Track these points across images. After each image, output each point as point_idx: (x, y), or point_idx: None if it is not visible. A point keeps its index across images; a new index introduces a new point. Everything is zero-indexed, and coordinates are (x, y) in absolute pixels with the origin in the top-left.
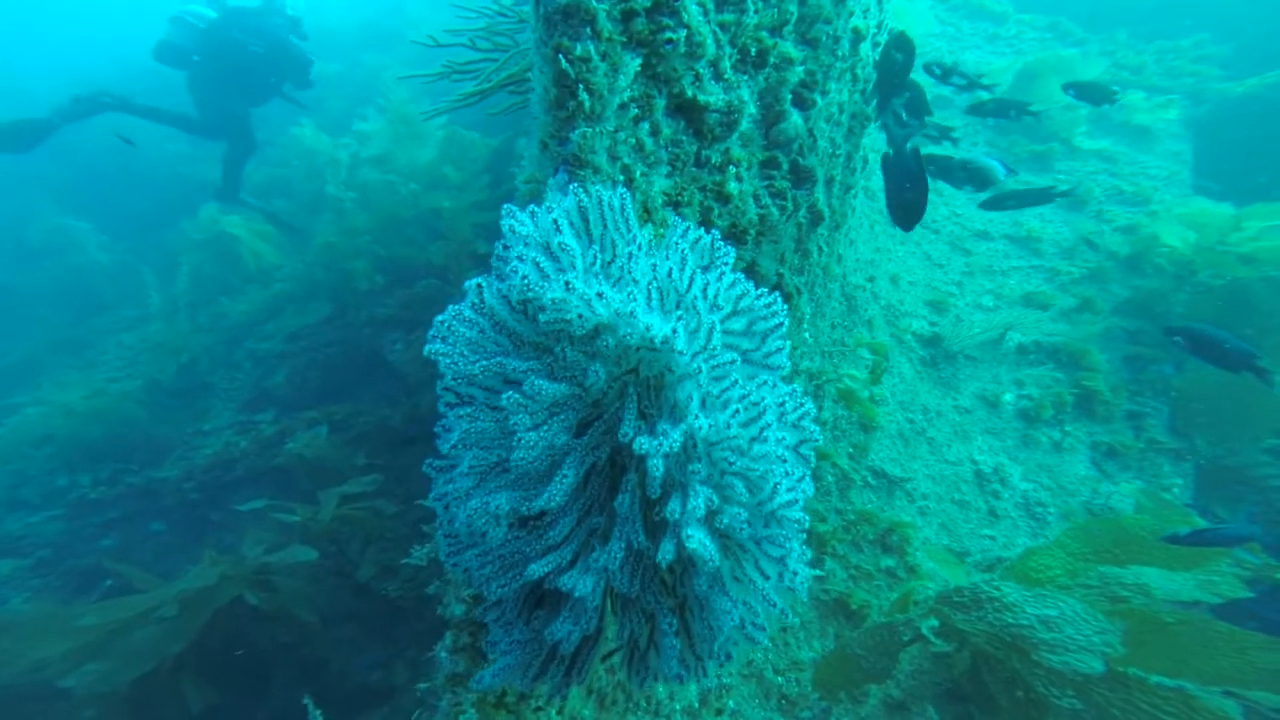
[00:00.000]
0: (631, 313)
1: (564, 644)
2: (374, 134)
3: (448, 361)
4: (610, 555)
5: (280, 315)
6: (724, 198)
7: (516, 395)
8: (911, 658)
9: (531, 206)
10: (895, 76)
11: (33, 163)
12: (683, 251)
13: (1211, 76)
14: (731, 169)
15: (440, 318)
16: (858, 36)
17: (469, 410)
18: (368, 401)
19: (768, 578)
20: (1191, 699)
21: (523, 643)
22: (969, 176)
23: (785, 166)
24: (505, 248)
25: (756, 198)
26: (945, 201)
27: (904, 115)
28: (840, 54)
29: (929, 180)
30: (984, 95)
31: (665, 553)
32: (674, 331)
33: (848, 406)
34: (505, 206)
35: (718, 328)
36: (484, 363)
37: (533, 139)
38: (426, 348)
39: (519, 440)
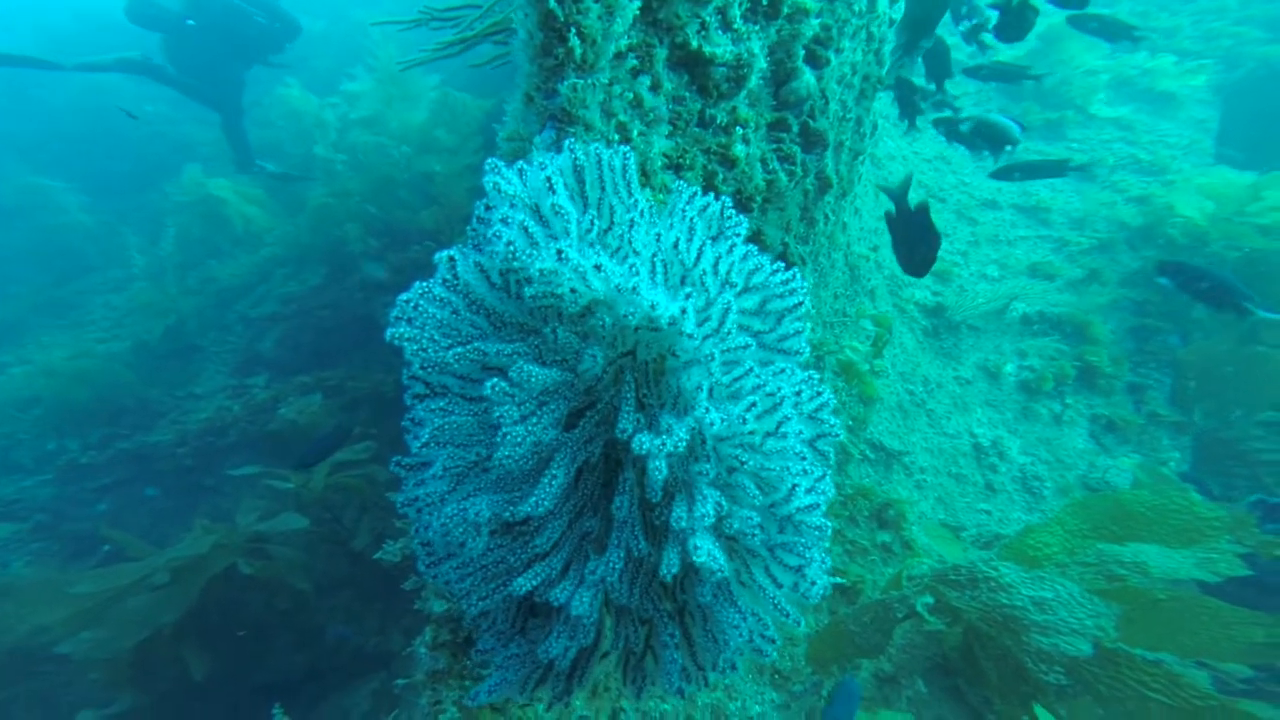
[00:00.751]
0: (634, 288)
1: (560, 660)
2: (363, 94)
3: (415, 348)
4: (609, 566)
5: (270, 278)
6: (729, 161)
7: (502, 383)
8: (904, 633)
9: (520, 163)
10: (932, 11)
11: None
12: (691, 220)
13: (1253, 39)
14: (738, 130)
15: (405, 296)
16: None
17: (442, 403)
18: (360, 366)
19: (780, 585)
20: (1176, 675)
21: (519, 656)
22: (983, 137)
23: (795, 129)
24: (488, 209)
25: (764, 162)
26: (954, 170)
27: (917, 82)
28: (857, 9)
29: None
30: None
31: (670, 565)
32: (682, 311)
33: (847, 379)
34: (489, 161)
35: (733, 308)
36: (459, 349)
37: (516, 91)
38: (389, 331)
39: (504, 436)
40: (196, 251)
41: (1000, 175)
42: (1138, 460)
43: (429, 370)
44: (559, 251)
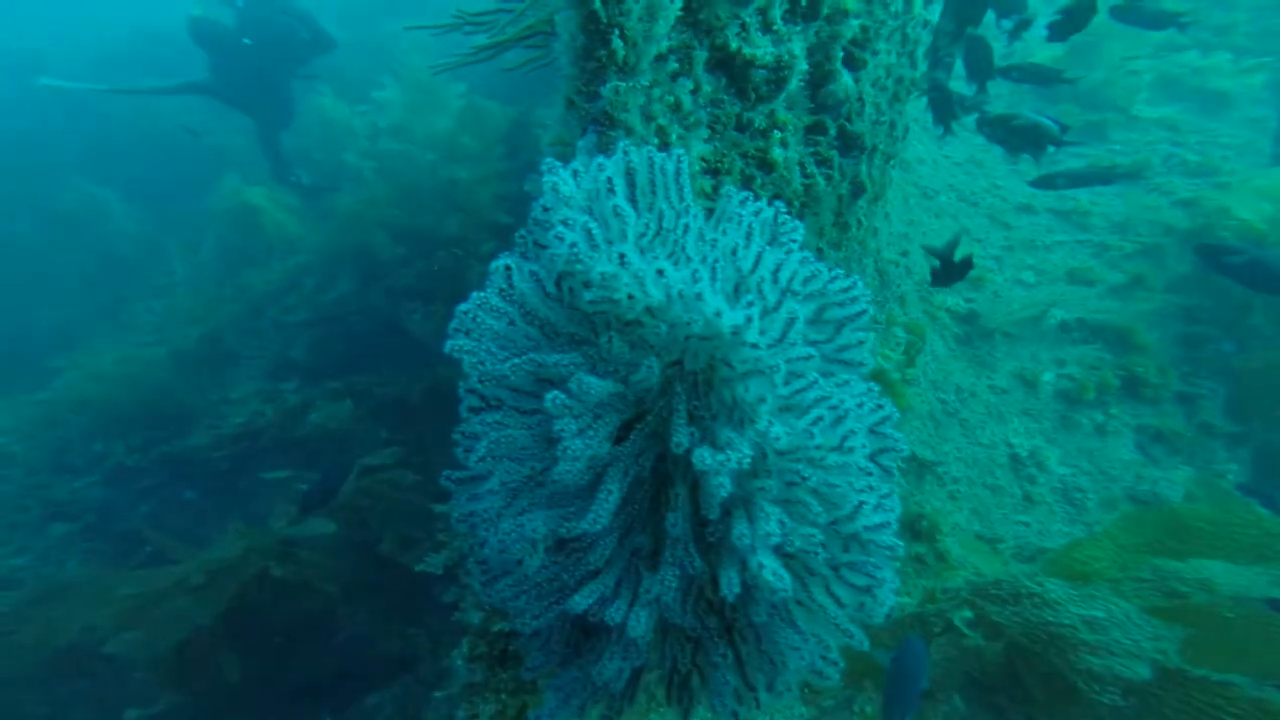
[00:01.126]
0: (699, 295)
1: (614, 682)
2: (391, 103)
3: (473, 360)
4: (664, 585)
5: (302, 285)
6: (768, 165)
7: (561, 396)
8: (939, 647)
9: (574, 165)
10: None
11: (55, 133)
12: (749, 225)
13: None
14: (776, 134)
15: (463, 307)
16: None
17: (497, 416)
18: (388, 372)
19: (843, 605)
20: (1259, 698)
21: (578, 679)
22: (1021, 137)
23: (833, 132)
24: (545, 210)
25: (802, 166)
26: (986, 173)
27: (953, 87)
28: (893, 10)
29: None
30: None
31: (730, 584)
32: (747, 320)
33: (879, 388)
34: (546, 161)
35: (800, 318)
36: (515, 360)
37: (558, 96)
38: (449, 344)
39: (563, 450)
40: (233, 259)
41: (1041, 184)
42: (1191, 473)
43: (486, 383)
44: (621, 255)
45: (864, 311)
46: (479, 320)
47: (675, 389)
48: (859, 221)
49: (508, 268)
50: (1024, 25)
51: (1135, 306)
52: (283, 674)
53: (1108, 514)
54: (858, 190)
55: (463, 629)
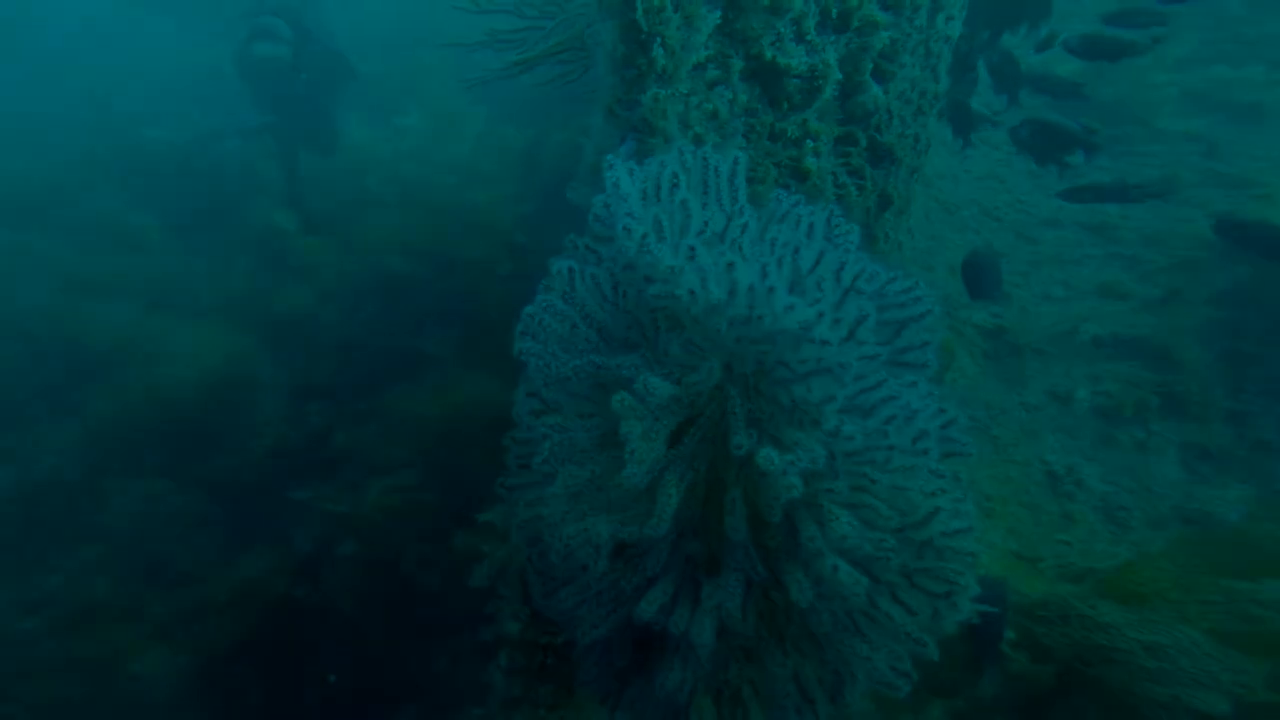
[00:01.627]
0: (770, 289)
1: (679, 694)
2: (413, 128)
3: (539, 363)
4: (727, 591)
5: (325, 307)
6: (801, 174)
7: (629, 397)
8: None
9: (630, 163)
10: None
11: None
12: (809, 224)
13: None
14: (809, 143)
15: (529, 309)
16: (935, 6)
17: (558, 419)
18: (407, 393)
19: (914, 614)
20: None
21: (642, 693)
22: (1047, 140)
23: (863, 143)
24: (607, 206)
25: (834, 176)
26: (1008, 188)
27: (974, 105)
28: (918, 24)
29: None
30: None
31: (800, 589)
32: (818, 315)
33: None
34: (607, 158)
35: (870, 315)
36: (577, 362)
37: (597, 106)
38: (516, 345)
39: (631, 453)
40: (260, 282)
41: (1069, 196)
42: (1249, 491)
43: (550, 385)
44: (691, 249)
45: (929, 311)
46: (544, 324)
47: (729, 391)
48: (886, 235)
49: (570, 269)
50: (1051, 39)
51: (1174, 321)
52: (302, 693)
53: (1157, 533)
54: (885, 203)
55: (486, 648)
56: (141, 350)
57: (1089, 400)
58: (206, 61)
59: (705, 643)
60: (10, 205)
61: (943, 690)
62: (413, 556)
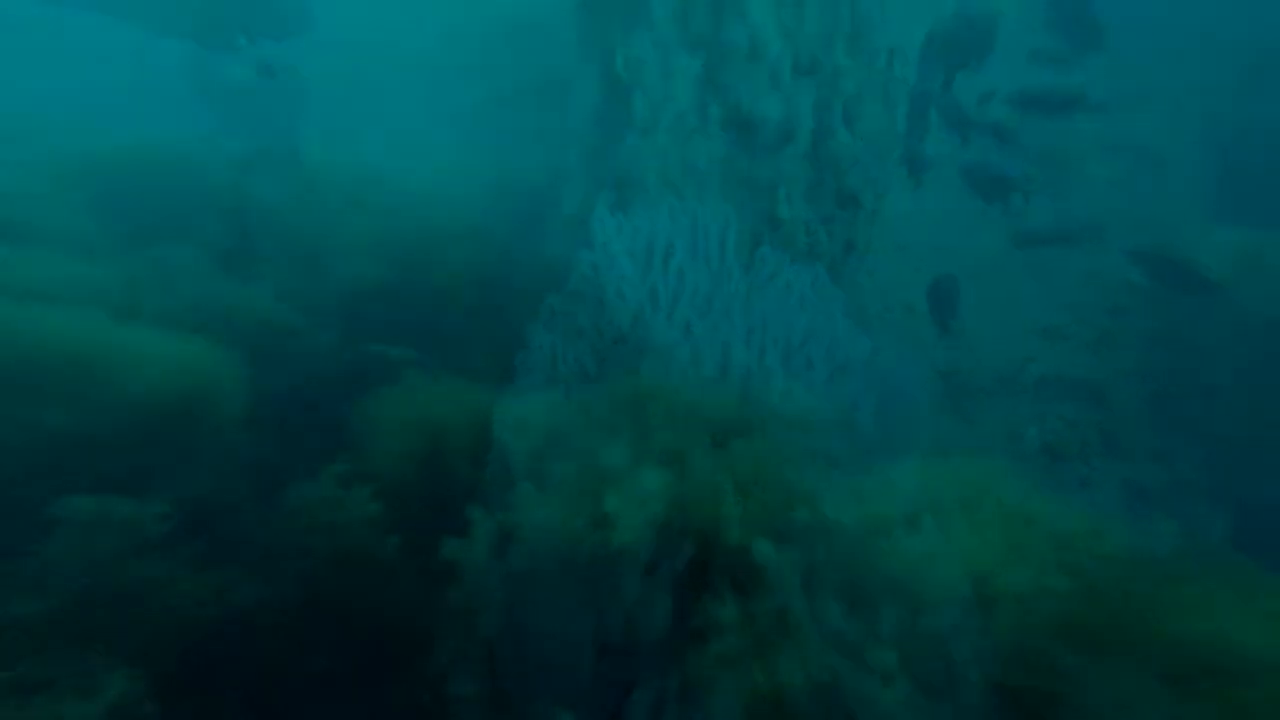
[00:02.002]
0: (770, 371)
1: None
2: (377, 154)
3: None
4: None
5: (290, 319)
6: (775, 222)
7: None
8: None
9: (618, 217)
10: (978, 41)
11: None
12: (801, 295)
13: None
14: (782, 190)
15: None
16: (891, 54)
17: None
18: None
19: None
20: None
21: None
22: (985, 184)
23: (832, 187)
24: (595, 268)
25: (806, 224)
26: (959, 228)
27: (921, 140)
28: (877, 69)
29: None
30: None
31: None
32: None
33: None
34: (596, 214)
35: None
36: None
37: (573, 152)
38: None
39: None
40: (223, 294)
41: (1022, 242)
42: (1174, 526)
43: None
44: (687, 323)
45: None
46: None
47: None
48: (850, 277)
49: (553, 347)
50: (990, 96)
51: (1107, 362)
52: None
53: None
54: (850, 247)
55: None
56: (101, 362)
57: (1038, 439)
58: (169, 68)
59: None
60: None
61: None
62: (379, 606)
